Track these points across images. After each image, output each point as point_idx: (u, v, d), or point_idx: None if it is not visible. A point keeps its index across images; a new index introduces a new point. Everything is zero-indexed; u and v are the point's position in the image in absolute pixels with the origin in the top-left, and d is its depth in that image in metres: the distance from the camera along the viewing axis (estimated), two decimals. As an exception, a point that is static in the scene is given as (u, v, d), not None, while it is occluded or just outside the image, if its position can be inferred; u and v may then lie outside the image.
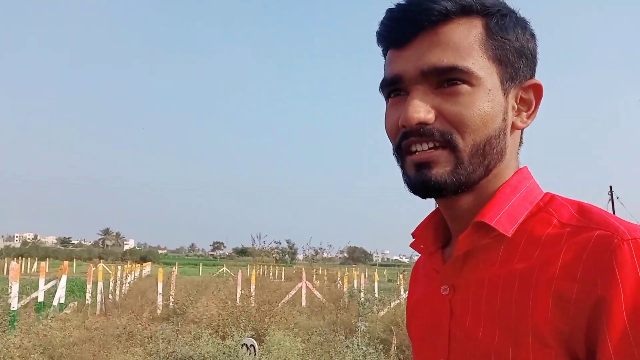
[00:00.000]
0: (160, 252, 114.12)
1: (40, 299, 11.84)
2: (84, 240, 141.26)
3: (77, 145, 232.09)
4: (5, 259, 41.44)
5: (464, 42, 0.65)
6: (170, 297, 13.22)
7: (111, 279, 16.62)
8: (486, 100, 0.64)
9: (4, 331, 6.81)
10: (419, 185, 0.67)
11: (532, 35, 0.70)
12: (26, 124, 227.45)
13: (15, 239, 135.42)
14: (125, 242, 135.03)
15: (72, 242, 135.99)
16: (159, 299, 13.13)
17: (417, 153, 0.67)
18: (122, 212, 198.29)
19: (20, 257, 49.01)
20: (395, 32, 0.68)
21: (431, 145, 0.66)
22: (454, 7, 0.64)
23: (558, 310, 0.57)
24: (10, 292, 9.31)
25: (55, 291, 12.55)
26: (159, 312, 12.33)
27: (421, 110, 0.64)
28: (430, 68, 0.64)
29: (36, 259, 46.51)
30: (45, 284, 12.35)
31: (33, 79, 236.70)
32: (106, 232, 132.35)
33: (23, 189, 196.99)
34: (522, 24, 0.69)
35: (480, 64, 0.65)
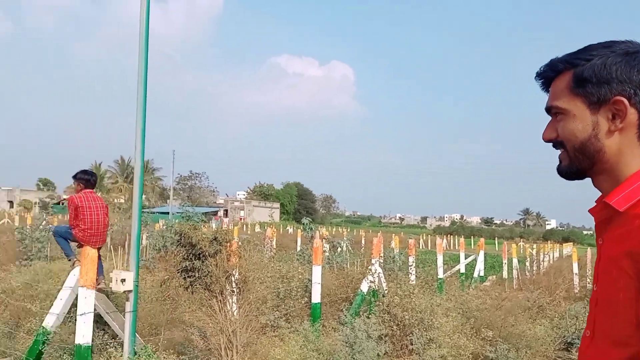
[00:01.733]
0: (585, 232, 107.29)
1: (462, 270, 13.44)
2: (506, 220, 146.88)
3: (499, 135, 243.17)
4: (436, 236, 48.00)
5: (558, 89, 1.12)
6: (587, 278, 12.75)
7: (527, 257, 17.14)
8: (572, 121, 1.08)
9: (434, 294, 8.30)
10: (557, 172, 1.16)
11: (619, 65, 1.04)
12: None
13: (445, 219, 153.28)
14: (546, 222, 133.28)
15: (495, 222, 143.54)
16: (575, 278, 12.85)
17: (559, 154, 1.16)
18: (542, 193, 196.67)
19: (448, 235, 56.13)
20: (541, 86, 1.20)
21: (560, 149, 1.14)
22: (553, 73, 1.14)
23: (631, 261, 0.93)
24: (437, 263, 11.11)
25: (475, 264, 14.00)
26: (575, 291, 12.09)
27: (546, 133, 1.16)
28: (546, 107, 1.16)
29: (462, 236, 51.78)
30: (465, 258, 13.94)
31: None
32: (526, 212, 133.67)
33: (452, 176, 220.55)
34: (605, 63, 1.04)
35: (566, 101, 1.10)
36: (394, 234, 28.84)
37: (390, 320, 6.51)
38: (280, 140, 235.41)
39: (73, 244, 5.96)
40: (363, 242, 25.09)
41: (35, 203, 64.93)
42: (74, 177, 6.05)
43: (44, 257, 11.63)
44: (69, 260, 5.98)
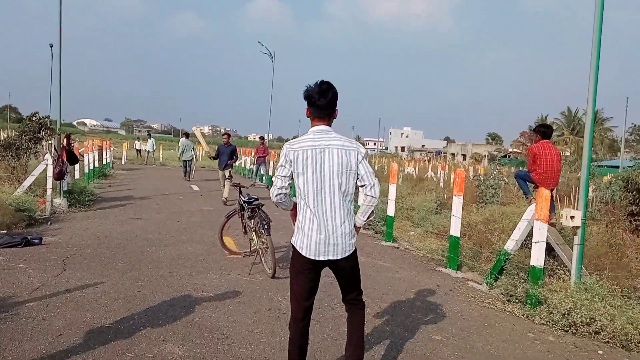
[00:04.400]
0: None
1: None
2: None
3: None
4: None
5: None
6: None
7: None
8: None
9: None
10: None
11: None
12: None
13: None
14: None
15: None
16: None
17: None
18: None
19: None
20: None
21: None
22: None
23: None
24: None
25: None
26: None
27: None
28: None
29: None
30: None
31: None
32: None
33: None
34: None
35: None
36: None
37: None
38: None
39: (530, 185, 7.03)
40: None
41: (485, 156, 71.05)
42: (533, 130, 7.13)
43: (496, 202, 13.30)
44: (526, 198, 7.10)
